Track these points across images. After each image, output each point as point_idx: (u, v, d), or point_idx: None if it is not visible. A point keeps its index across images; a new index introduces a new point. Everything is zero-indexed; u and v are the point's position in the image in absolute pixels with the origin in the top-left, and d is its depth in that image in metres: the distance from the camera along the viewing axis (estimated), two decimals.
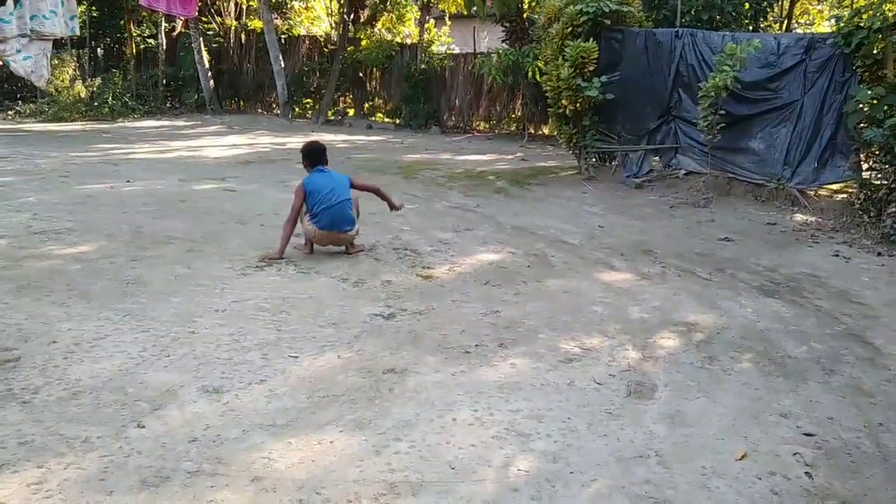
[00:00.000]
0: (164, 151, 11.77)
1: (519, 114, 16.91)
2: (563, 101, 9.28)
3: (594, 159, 9.90)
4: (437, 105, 17.77)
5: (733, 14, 11.74)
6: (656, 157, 9.53)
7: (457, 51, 19.29)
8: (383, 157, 12.07)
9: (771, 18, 13.93)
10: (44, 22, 13.33)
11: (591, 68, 9.07)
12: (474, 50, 17.65)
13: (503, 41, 15.34)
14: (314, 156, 5.72)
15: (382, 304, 4.51)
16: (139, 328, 3.89)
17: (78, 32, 14.82)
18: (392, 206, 6.07)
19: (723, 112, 8.31)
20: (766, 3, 12.47)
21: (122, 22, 19.44)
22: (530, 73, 13.35)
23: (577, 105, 9.20)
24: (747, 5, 12.14)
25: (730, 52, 8.20)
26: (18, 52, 13.12)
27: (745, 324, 4.45)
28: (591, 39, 9.13)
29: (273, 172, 9.75)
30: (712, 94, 8.19)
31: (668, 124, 9.26)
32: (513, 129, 17.01)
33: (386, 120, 18.73)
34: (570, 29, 9.24)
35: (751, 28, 12.11)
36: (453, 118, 17.96)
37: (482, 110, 17.52)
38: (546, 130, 16.08)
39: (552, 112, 9.89)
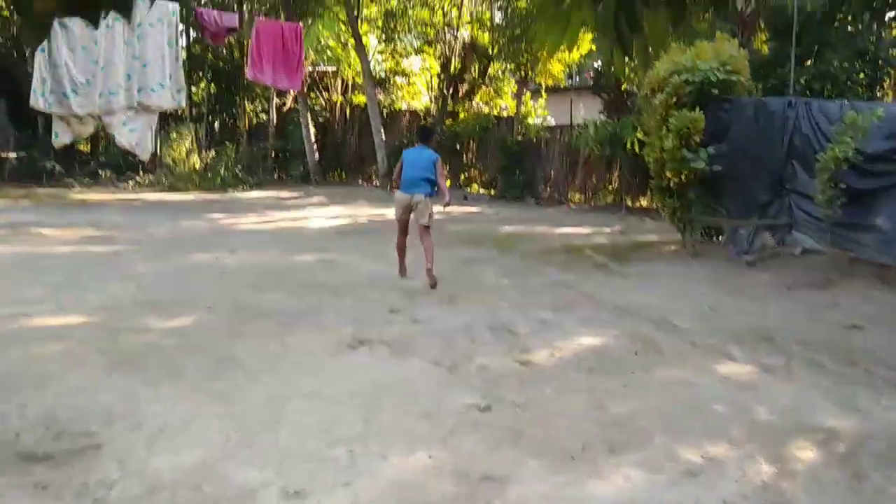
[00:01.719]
0: (268, 222, 11.98)
1: (616, 185, 16.48)
2: (667, 173, 8.85)
3: (700, 234, 9.34)
4: (533, 176, 17.58)
5: (848, 83, 11.03)
6: (769, 233, 8.86)
7: (553, 123, 19.18)
8: (478, 228, 11.89)
9: (888, 86, 13.06)
10: (151, 94, 13.73)
11: (697, 139, 8.63)
12: (570, 121, 17.48)
13: (600, 112, 15.11)
14: (420, 133, 7.38)
15: (478, 393, 4.13)
16: (226, 413, 3.67)
17: (184, 105, 15.30)
18: (443, 198, 6.91)
19: (843, 186, 7.62)
20: (883, 70, 11.68)
21: (237, 98, 20.43)
22: (628, 145, 13.03)
23: (682, 177, 8.74)
24: (862, 74, 11.41)
25: (850, 122, 7.56)
26: (125, 124, 13.56)
27: (892, 431, 3.80)
28: (697, 109, 8.70)
29: (370, 243, 9.68)
30: (831, 166, 7.54)
31: (782, 198, 8.62)
32: (609, 200, 16.58)
33: (481, 191, 18.67)
34: (674, 99, 8.86)
35: (866, 97, 11.34)
36: (548, 189, 17.70)
37: (578, 182, 17.19)
38: (644, 203, 15.58)
39: (654, 184, 9.45)
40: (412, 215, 6.97)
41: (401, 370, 4.49)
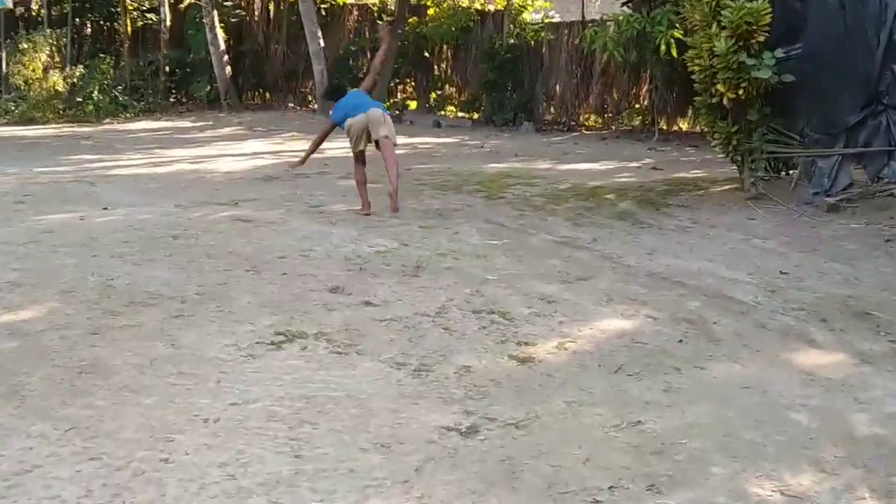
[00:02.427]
0: (159, 164, 11.92)
1: (645, 104, 16.59)
2: (719, 87, 8.91)
3: (764, 169, 9.41)
4: (531, 93, 17.67)
5: None
6: (859, 165, 9.00)
7: (558, 19, 19.18)
8: (456, 166, 11.99)
9: None
10: None
11: (761, 39, 8.66)
12: (582, 17, 17.46)
13: (623, 4, 15.07)
14: (337, 94, 8.78)
15: (458, 408, 3.96)
16: (86, 453, 3.43)
17: (10, 6, 14.93)
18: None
19: None
20: None
21: None
22: (663, 48, 13.10)
23: (740, 91, 8.79)
24: None
25: None
26: None
27: None
28: None
29: (306, 192, 9.65)
30: None
31: (877, 117, 8.71)
32: (636, 124, 16.74)
33: (460, 114, 18.73)
34: None
35: None
36: (553, 110, 17.82)
37: (593, 99, 17.31)
38: (684, 126, 15.77)
39: (700, 102, 9.52)
40: (369, 140, 8.36)
41: (345, 378, 4.31)
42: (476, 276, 6.23)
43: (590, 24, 16.14)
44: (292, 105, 20.72)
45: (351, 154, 8.54)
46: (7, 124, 16.21)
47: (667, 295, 5.85)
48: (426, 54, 19.14)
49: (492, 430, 3.75)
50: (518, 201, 9.42)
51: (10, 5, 14.64)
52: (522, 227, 8.11)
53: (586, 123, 17.40)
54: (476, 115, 18.15)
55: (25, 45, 17.50)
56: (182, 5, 20.75)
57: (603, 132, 16.59)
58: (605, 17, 15.14)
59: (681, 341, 4.93)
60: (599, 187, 10.34)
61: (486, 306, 5.50)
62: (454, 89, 19.43)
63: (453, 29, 18.38)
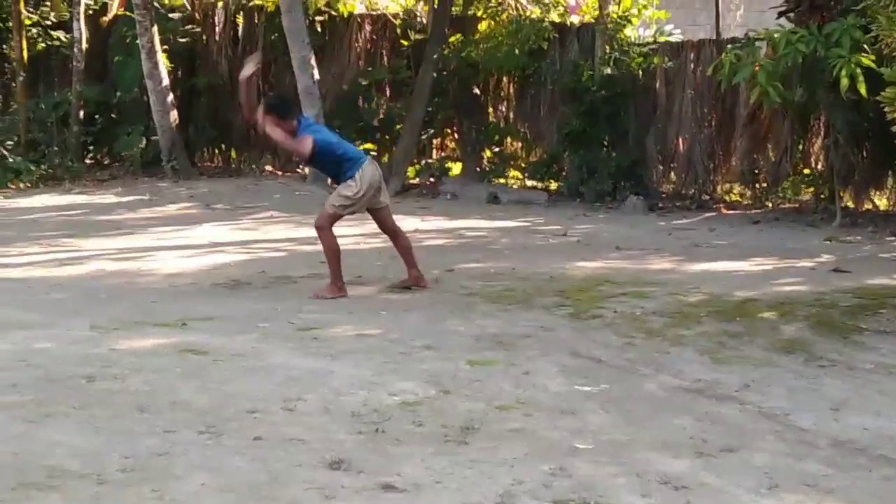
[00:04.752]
0: (67, 262, 12.01)
1: (819, 167, 16.44)
2: None
3: None
4: (640, 152, 17.66)
5: None
6: None
7: (678, 36, 19.31)
8: (525, 266, 12.04)
9: None
10: None
11: None
12: (716, 33, 17.48)
13: (781, 14, 15.09)
14: (286, 106, 10.26)
15: None
16: None
17: None
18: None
19: None
20: None
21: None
22: (844, 81, 12.96)
23: None
24: None
25: None
26: None
27: None
28: None
29: (290, 305, 9.73)
30: None
31: None
32: (805, 199, 16.55)
33: (529, 183, 18.62)
34: None
35: None
36: (673, 178, 17.69)
37: (736, 161, 17.21)
38: (882, 202, 15.52)
39: None
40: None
41: None
42: (559, 445, 6.11)
43: (728, 45, 15.87)
44: (270, 169, 20.70)
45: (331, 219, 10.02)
46: None
47: (865, 478, 5.72)
48: (476, 91, 19.08)
49: None
50: (623, 323, 9.31)
51: None
52: (631, 364, 8.00)
53: (726, 198, 17.26)
54: (554, 185, 18.05)
55: None
56: (105, 18, 20.87)
57: (753, 211, 16.44)
58: (752, 35, 15.14)
59: None
60: (751, 301, 10.22)
61: (576, 494, 5.37)
62: (519, 145, 19.31)
63: (517, 52, 18.18)
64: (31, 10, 20.66)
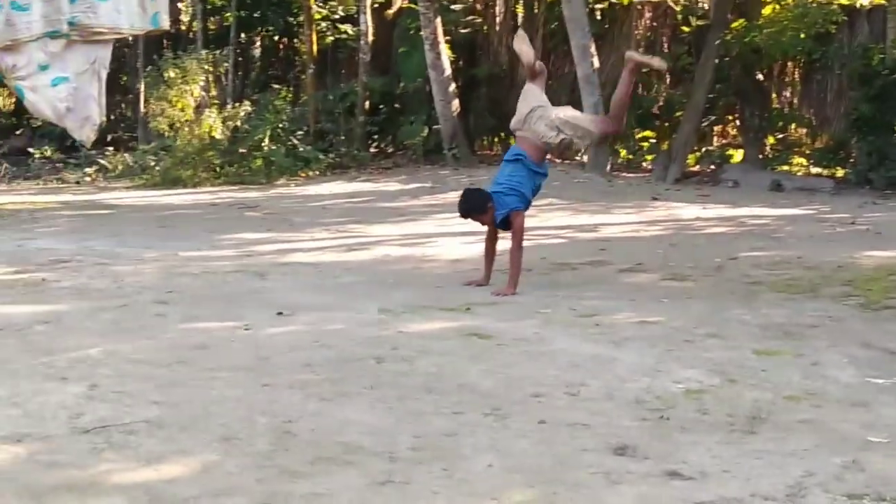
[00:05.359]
0: (355, 248, 12.30)
1: None
2: None
3: None
4: None
5: None
6: None
7: None
8: (811, 254, 11.83)
9: None
10: (97, 5, 12.84)
11: None
12: None
13: None
14: (476, 204, 10.35)
15: None
16: None
17: (166, 26, 14.34)
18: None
19: None
20: None
21: None
22: None
23: None
24: None
25: None
26: (43, 69, 12.64)
27: None
28: None
29: (571, 292, 9.77)
30: None
31: None
32: None
33: (814, 170, 18.21)
34: None
35: None
36: None
37: None
38: None
39: None
40: None
41: None
42: (852, 437, 5.93)
43: None
44: (549, 157, 20.69)
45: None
46: (145, 186, 17.02)
47: None
48: (759, 76, 18.78)
49: None
50: None
51: (166, 25, 13.75)
52: None
53: None
54: (841, 172, 17.60)
55: (173, 74, 18.09)
56: (390, 11, 21.17)
57: None
58: None
59: None
60: None
61: (870, 489, 5.19)
62: (804, 132, 18.93)
63: (802, 36, 17.81)
64: (320, 4, 21.11)
